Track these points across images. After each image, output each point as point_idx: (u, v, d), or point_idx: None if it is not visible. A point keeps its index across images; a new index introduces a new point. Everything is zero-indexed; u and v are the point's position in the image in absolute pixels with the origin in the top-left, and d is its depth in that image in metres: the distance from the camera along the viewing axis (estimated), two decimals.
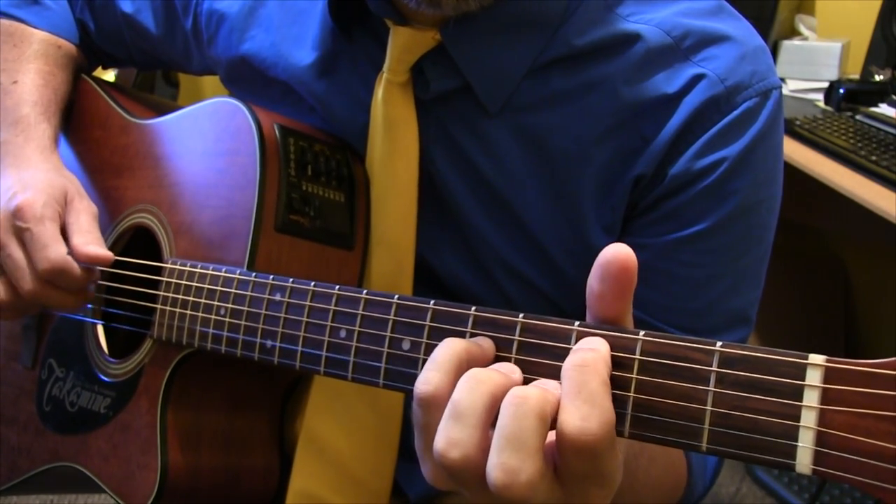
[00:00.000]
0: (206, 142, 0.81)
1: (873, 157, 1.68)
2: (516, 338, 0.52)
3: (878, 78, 2.01)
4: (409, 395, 0.58)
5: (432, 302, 0.56)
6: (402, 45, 0.76)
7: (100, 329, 0.87)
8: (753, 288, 0.78)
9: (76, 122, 0.98)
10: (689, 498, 0.78)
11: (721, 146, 0.73)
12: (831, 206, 1.87)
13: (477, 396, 0.47)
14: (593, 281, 0.49)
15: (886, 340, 2.38)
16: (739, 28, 0.76)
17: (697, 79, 0.73)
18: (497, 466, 0.45)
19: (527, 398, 0.46)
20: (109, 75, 1.41)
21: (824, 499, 1.98)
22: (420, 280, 0.80)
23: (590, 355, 0.47)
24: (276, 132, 0.77)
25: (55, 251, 0.78)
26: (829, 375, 0.42)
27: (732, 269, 0.76)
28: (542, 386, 0.48)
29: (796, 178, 1.68)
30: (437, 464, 0.48)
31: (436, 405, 0.49)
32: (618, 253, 0.48)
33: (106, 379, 0.84)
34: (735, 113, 0.73)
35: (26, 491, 0.95)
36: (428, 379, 0.50)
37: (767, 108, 0.74)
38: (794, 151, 1.77)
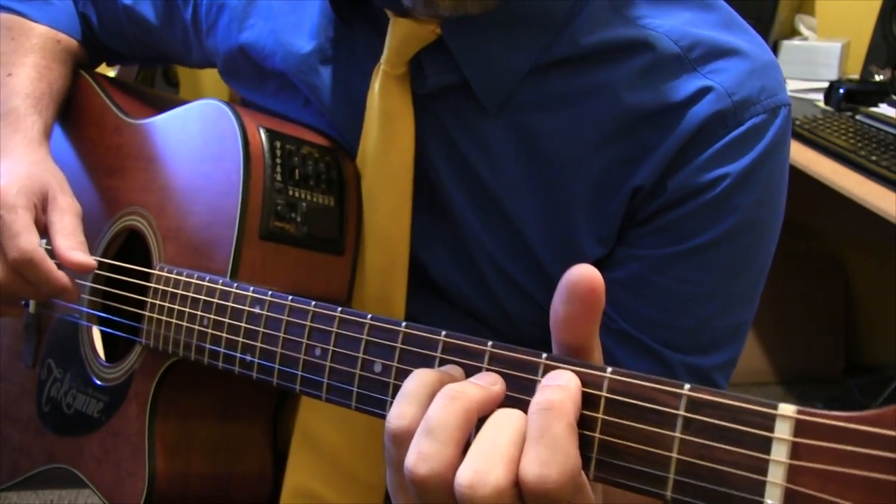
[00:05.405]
0: (193, 145, 0.80)
1: (873, 157, 1.66)
2: (485, 366, 0.50)
3: (878, 78, 1.99)
4: (381, 419, 0.56)
5: (403, 324, 0.55)
6: (402, 37, 0.73)
7: (95, 331, 0.87)
8: (746, 309, 0.75)
9: (73, 118, 0.97)
10: None
11: (725, 162, 0.70)
12: (831, 206, 1.86)
13: (450, 412, 0.46)
14: (558, 304, 0.46)
15: (886, 340, 2.36)
16: (750, 42, 0.73)
17: (705, 91, 0.70)
18: (468, 467, 0.44)
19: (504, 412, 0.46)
20: (111, 74, 1.40)
21: None
22: (412, 278, 0.78)
23: (557, 395, 0.45)
24: (262, 136, 0.75)
25: (26, 240, 0.76)
26: (800, 428, 0.39)
27: (726, 287, 0.73)
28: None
29: (796, 178, 1.65)
30: (408, 482, 0.46)
31: (410, 440, 0.47)
32: (584, 273, 0.45)
33: (99, 383, 0.84)
34: (741, 129, 0.70)
35: (25, 488, 0.96)
36: (401, 413, 0.48)
37: (775, 125, 0.71)
38: (794, 151, 1.77)
